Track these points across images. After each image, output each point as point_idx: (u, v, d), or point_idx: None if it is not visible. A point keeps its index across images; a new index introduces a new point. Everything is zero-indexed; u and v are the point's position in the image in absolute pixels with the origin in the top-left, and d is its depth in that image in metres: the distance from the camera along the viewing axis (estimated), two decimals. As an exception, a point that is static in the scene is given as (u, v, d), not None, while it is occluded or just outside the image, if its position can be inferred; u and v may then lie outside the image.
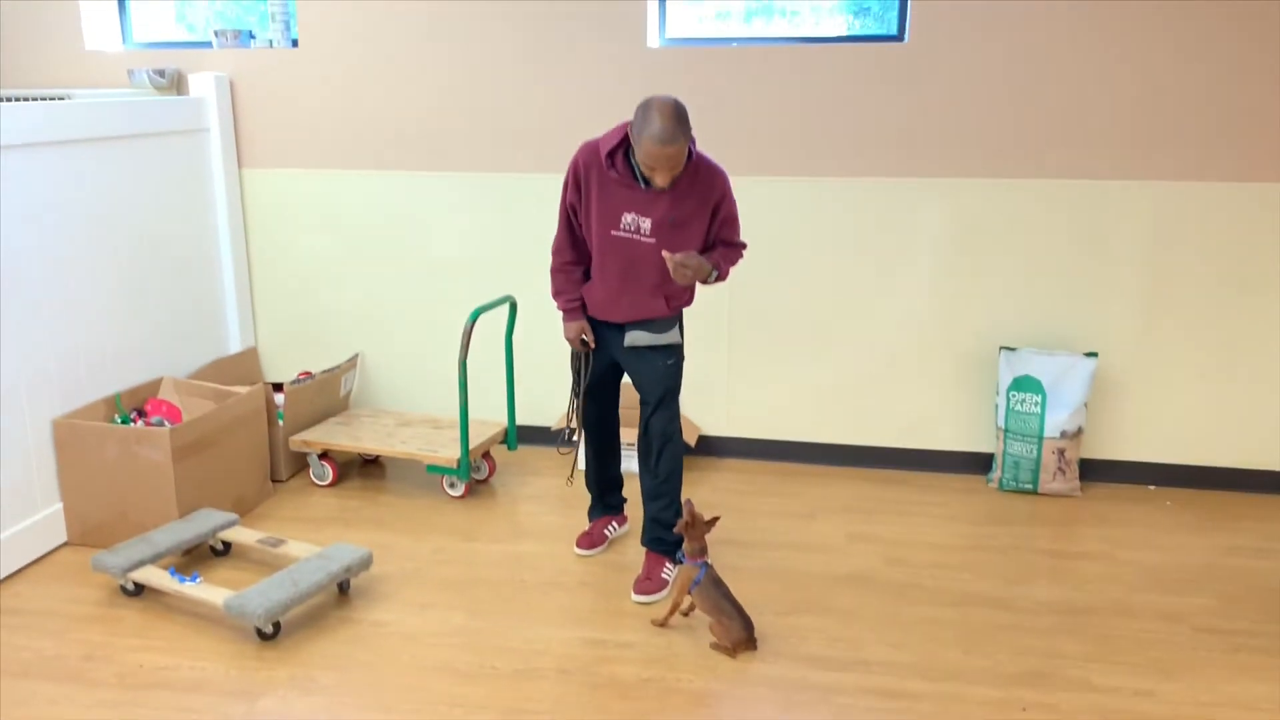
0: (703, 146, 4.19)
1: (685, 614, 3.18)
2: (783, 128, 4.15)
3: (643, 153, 2.90)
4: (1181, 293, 4.06)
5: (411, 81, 4.35)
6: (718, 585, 3.04)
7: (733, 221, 3.21)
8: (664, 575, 3.36)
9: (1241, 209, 3.94)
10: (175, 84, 4.45)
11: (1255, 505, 4.07)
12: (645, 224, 3.09)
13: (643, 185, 3.05)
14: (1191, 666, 2.96)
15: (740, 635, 3.00)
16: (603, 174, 3.08)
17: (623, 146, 3.04)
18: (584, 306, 3.33)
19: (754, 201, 4.22)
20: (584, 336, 3.36)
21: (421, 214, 4.50)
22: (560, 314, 3.42)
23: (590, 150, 3.10)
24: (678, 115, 2.86)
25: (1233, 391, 4.11)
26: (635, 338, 3.25)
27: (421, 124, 4.39)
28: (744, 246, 3.28)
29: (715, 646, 3.03)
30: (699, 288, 3.38)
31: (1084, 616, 3.23)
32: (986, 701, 2.79)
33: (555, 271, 3.31)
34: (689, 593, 3.06)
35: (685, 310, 3.37)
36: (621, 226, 3.11)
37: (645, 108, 2.89)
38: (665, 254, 3.03)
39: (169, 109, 4.19)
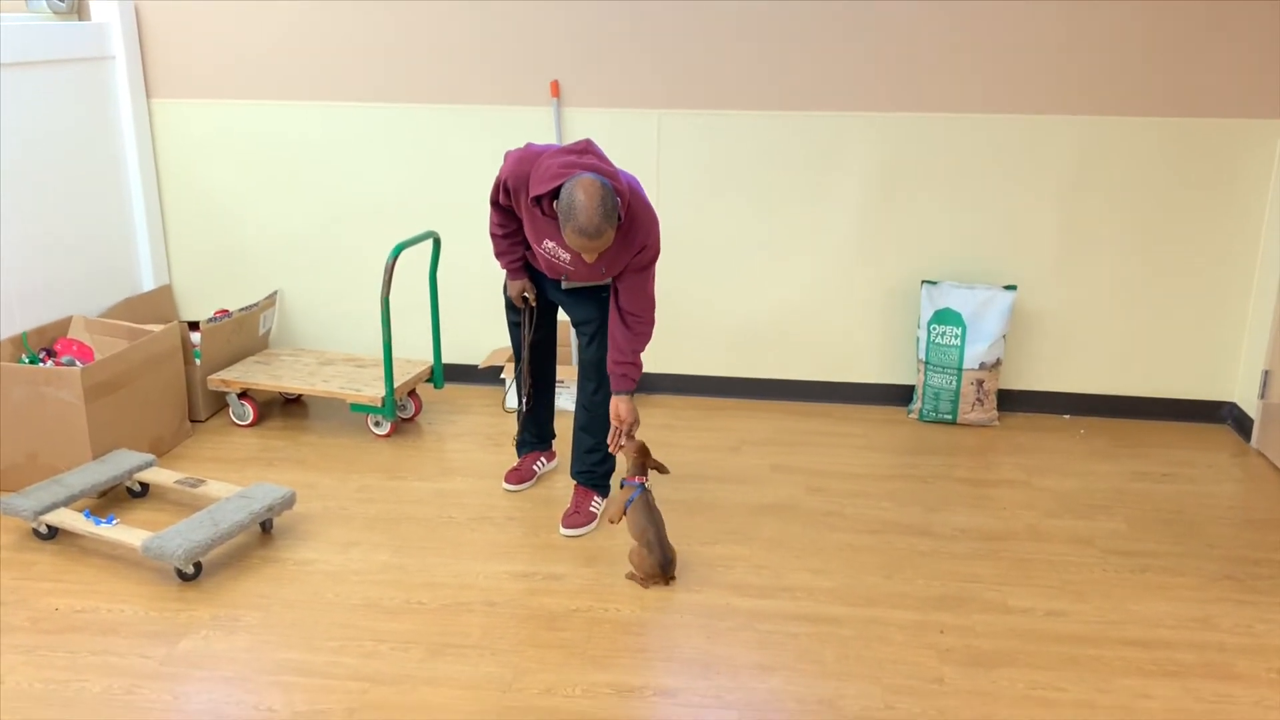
0: (625, 79, 4.15)
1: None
2: (707, 60, 4.11)
3: (568, 238, 2.81)
4: (1098, 227, 4.14)
5: (330, 9, 4.21)
6: (650, 511, 3.05)
7: (640, 273, 3.05)
8: (592, 508, 3.38)
9: (1158, 144, 4.02)
10: (76, 9, 4.24)
11: (1160, 432, 4.21)
12: (564, 255, 3.06)
13: None
14: (1101, 587, 3.07)
15: (654, 569, 3.01)
16: (529, 204, 3.02)
17: (551, 195, 2.91)
18: (527, 264, 3.32)
19: (679, 135, 4.19)
20: (526, 294, 3.35)
21: (342, 146, 4.38)
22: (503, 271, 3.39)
23: (519, 178, 3.01)
24: (604, 206, 2.74)
25: (1142, 324, 4.23)
26: (572, 281, 3.24)
27: (341, 53, 4.26)
28: (650, 315, 3.12)
29: (630, 576, 3.06)
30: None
31: (1000, 542, 3.33)
32: (906, 625, 2.87)
33: (494, 238, 3.29)
34: (624, 509, 3.07)
35: None
36: (543, 247, 3.10)
37: (570, 192, 2.75)
38: (611, 446, 3.16)
39: (70, 35, 4.00)
